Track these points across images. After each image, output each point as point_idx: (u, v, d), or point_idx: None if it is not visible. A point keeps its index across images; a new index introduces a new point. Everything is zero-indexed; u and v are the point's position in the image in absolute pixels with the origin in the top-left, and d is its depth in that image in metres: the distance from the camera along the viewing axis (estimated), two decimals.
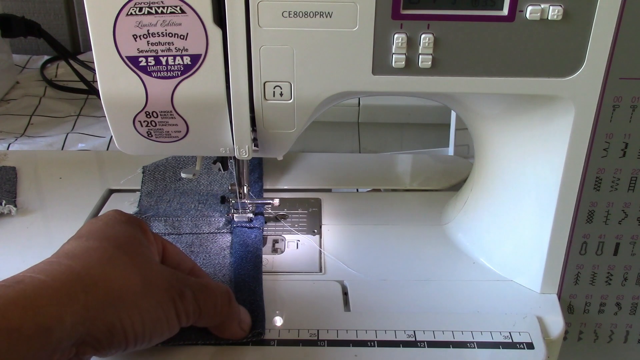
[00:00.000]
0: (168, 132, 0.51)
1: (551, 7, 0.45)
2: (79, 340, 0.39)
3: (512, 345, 0.50)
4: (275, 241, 0.64)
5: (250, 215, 0.64)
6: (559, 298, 0.57)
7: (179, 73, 0.47)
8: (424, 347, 0.50)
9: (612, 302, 0.58)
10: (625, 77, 0.48)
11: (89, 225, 0.47)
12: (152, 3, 0.45)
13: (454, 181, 0.75)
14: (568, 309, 0.58)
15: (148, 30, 0.46)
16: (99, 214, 0.49)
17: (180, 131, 0.51)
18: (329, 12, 0.46)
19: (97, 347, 0.41)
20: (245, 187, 0.63)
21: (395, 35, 0.46)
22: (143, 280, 0.43)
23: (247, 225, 0.64)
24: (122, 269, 0.43)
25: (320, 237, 0.64)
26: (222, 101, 0.49)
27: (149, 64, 0.47)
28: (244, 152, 0.52)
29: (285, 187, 0.74)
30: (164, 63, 0.47)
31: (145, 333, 0.42)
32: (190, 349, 0.49)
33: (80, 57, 1.14)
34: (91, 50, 0.47)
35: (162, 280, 0.44)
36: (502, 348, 0.50)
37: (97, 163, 0.81)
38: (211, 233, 0.63)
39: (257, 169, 0.74)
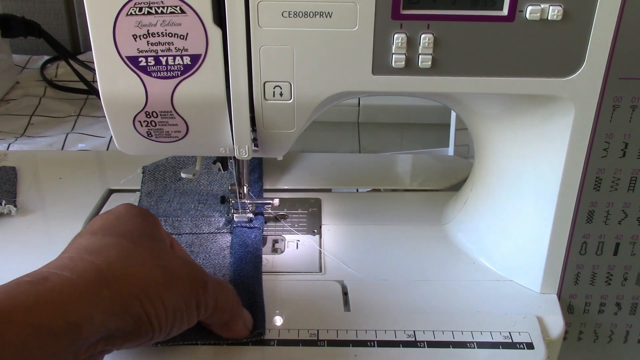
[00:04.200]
0: (168, 132, 0.51)
1: (551, 7, 0.45)
2: (107, 335, 0.40)
3: (512, 345, 0.50)
4: (275, 241, 0.64)
5: (250, 215, 0.64)
6: (559, 298, 0.57)
7: (179, 73, 0.47)
8: (424, 347, 0.50)
9: (612, 302, 0.58)
10: (625, 77, 0.48)
11: (101, 220, 0.47)
12: (152, 3, 0.45)
13: (454, 181, 0.75)
14: (568, 309, 0.58)
15: (148, 30, 0.46)
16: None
17: (180, 131, 0.51)
18: (329, 12, 0.46)
19: (126, 339, 0.41)
20: (245, 187, 0.63)
21: (395, 35, 0.46)
22: (164, 273, 0.43)
23: (247, 225, 0.64)
24: (142, 263, 0.43)
25: (320, 237, 0.64)
26: (222, 101, 0.49)
27: (149, 64, 0.47)
28: (244, 152, 0.52)
29: (285, 187, 0.74)
30: (163, 63, 0.47)
31: (168, 323, 0.43)
32: (190, 349, 0.49)
33: (80, 57, 1.14)
34: (91, 50, 0.47)
35: (183, 272, 0.45)
36: (502, 348, 0.50)
37: (97, 163, 0.81)
38: (211, 233, 0.63)
39: (257, 169, 0.74)
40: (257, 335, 0.50)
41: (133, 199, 0.70)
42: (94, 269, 0.41)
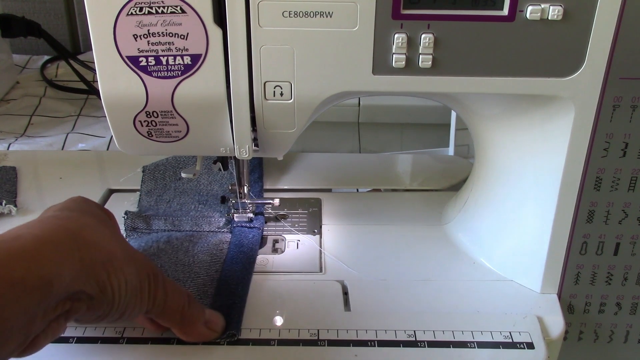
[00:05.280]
0: (168, 132, 0.51)
1: (551, 7, 0.45)
2: (74, 295, 0.41)
3: (512, 345, 0.50)
4: (276, 241, 0.64)
5: (251, 215, 0.64)
6: (559, 298, 0.57)
7: (179, 73, 0.47)
8: (424, 347, 0.50)
9: (612, 302, 0.58)
10: (625, 77, 0.48)
11: (60, 204, 0.48)
12: (152, 3, 0.45)
13: (454, 181, 0.75)
14: (568, 309, 0.58)
15: (148, 30, 0.46)
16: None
17: (180, 131, 0.51)
18: (329, 12, 0.46)
19: (89, 305, 0.42)
20: (245, 187, 0.63)
21: (396, 35, 0.47)
22: (124, 252, 0.45)
23: (247, 225, 0.64)
24: (107, 238, 0.45)
25: (320, 237, 0.64)
26: (222, 101, 0.49)
27: (150, 63, 0.47)
28: (244, 152, 0.52)
29: (285, 187, 0.74)
30: (164, 63, 0.47)
31: (125, 301, 0.43)
32: (188, 349, 0.49)
33: (80, 57, 1.14)
34: (91, 50, 0.47)
35: (139, 258, 0.46)
36: (502, 348, 0.50)
37: (97, 163, 0.81)
38: (212, 232, 0.63)
39: (257, 169, 0.74)
40: (229, 336, 0.50)
41: (133, 198, 0.70)
42: (64, 230, 0.42)
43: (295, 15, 0.46)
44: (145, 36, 0.46)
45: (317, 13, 0.46)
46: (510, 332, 0.51)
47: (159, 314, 0.47)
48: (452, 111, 0.84)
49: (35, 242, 0.40)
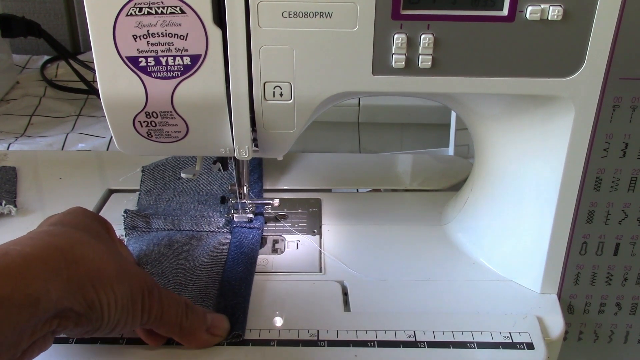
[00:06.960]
0: (168, 132, 0.51)
1: (551, 7, 0.45)
2: (62, 313, 0.41)
3: (512, 346, 0.50)
4: (275, 241, 0.64)
5: (250, 215, 0.64)
6: (559, 298, 0.57)
7: (179, 73, 0.47)
8: (424, 347, 0.50)
9: (612, 302, 0.58)
10: (625, 77, 0.48)
11: (58, 216, 0.48)
12: (152, 3, 0.45)
13: (454, 181, 0.75)
14: (568, 309, 0.58)
15: (148, 31, 0.46)
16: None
17: (180, 131, 0.51)
18: (329, 12, 0.46)
19: (77, 322, 0.42)
20: (245, 188, 0.63)
21: (395, 36, 0.46)
22: (117, 268, 0.44)
23: (247, 225, 0.64)
24: (99, 254, 0.44)
25: (320, 237, 0.64)
26: (222, 101, 0.49)
27: (149, 64, 0.47)
28: (244, 152, 0.52)
29: (285, 187, 0.74)
30: (163, 63, 0.47)
31: (116, 317, 0.43)
32: (188, 350, 0.49)
33: (80, 57, 1.14)
34: (91, 50, 0.47)
35: (134, 273, 0.46)
36: (502, 348, 0.50)
37: (97, 163, 0.81)
38: (211, 232, 0.63)
39: (257, 169, 0.74)
40: (235, 337, 0.50)
41: (132, 198, 0.70)
42: (54, 248, 0.42)
43: (295, 16, 0.46)
44: (145, 37, 0.46)
45: (316, 13, 0.46)
46: (510, 333, 0.51)
47: (156, 326, 0.47)
48: (452, 111, 0.84)
49: (23, 260, 0.40)
